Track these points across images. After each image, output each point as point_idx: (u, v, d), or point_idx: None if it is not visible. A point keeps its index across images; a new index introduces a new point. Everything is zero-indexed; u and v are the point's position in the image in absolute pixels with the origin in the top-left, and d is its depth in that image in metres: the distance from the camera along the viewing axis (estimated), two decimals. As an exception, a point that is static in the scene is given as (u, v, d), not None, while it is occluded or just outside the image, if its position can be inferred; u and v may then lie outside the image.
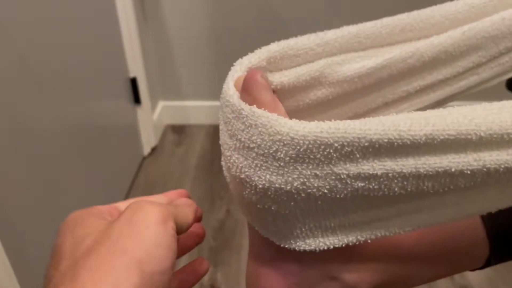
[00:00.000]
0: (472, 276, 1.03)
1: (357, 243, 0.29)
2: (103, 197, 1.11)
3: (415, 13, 0.31)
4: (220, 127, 0.27)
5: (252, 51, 0.28)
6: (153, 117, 1.56)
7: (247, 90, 0.25)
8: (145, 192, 1.34)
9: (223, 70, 1.39)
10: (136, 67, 1.37)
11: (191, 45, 1.57)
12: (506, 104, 0.25)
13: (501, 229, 0.36)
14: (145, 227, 0.26)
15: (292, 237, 0.28)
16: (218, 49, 1.57)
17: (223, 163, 0.29)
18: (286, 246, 0.29)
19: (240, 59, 0.27)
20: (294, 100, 0.29)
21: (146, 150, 1.51)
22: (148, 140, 1.51)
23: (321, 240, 0.28)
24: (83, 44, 1.04)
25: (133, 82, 1.37)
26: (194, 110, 1.69)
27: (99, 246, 0.25)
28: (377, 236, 0.28)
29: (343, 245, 0.28)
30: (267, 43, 0.28)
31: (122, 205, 0.32)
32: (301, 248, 0.28)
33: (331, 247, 0.28)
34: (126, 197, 1.31)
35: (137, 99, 1.40)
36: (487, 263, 0.37)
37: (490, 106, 0.24)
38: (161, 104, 1.67)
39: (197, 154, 1.53)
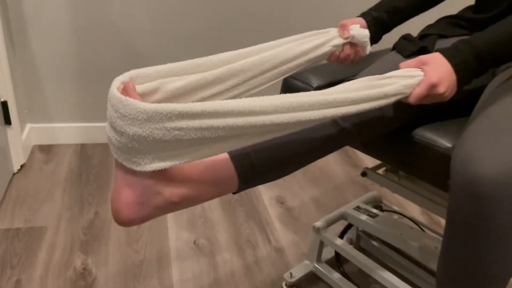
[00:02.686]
0: (284, 240, 1.44)
1: (174, 166, 0.62)
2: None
3: (215, 56, 0.69)
4: (108, 111, 0.59)
5: (112, 79, 0.60)
6: (22, 138, 1.71)
7: (126, 90, 0.57)
8: (17, 204, 1.50)
9: (87, 95, 1.75)
10: (6, 92, 1.54)
11: (57, 73, 1.78)
12: (272, 97, 0.60)
13: (244, 168, 0.73)
14: None
15: (143, 164, 0.60)
16: (82, 77, 1.80)
17: (108, 128, 0.60)
18: (138, 169, 0.61)
19: (116, 77, 0.60)
20: (150, 97, 0.63)
21: (16, 167, 1.65)
22: (17, 159, 1.66)
23: (158, 165, 0.60)
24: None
25: (4, 105, 1.53)
26: (61, 130, 1.87)
27: None
28: (187, 162, 0.62)
29: (169, 167, 0.61)
30: (125, 70, 0.61)
31: None
32: (146, 169, 0.60)
33: (163, 168, 0.61)
34: (-2, 208, 1.45)
35: (7, 121, 1.56)
36: (239, 189, 0.74)
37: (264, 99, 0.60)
38: (28, 126, 1.82)
39: (66, 169, 1.73)
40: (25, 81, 1.75)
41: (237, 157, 0.71)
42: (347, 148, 2.10)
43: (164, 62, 0.67)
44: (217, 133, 0.58)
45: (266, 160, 0.74)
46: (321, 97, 0.63)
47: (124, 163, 0.61)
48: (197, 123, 0.57)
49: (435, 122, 0.88)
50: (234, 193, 0.74)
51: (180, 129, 0.57)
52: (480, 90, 0.90)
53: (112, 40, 1.77)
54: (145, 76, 0.63)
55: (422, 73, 0.71)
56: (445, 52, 0.72)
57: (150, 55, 1.83)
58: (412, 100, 0.71)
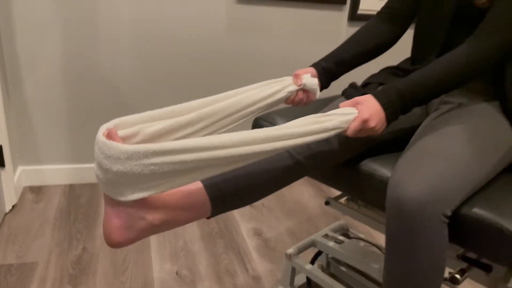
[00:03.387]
0: (260, 269, 1.55)
1: (153, 195, 0.75)
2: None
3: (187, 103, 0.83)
4: (95, 153, 0.72)
5: (99, 124, 0.74)
6: (14, 179, 1.82)
7: (110, 135, 0.71)
8: (9, 241, 1.59)
9: (75, 139, 1.94)
10: (1, 137, 1.67)
11: (48, 119, 1.91)
12: (231, 134, 0.74)
13: (215, 192, 0.86)
14: None
15: (125, 195, 0.73)
16: (71, 122, 1.94)
17: (96, 167, 0.73)
18: (122, 199, 0.74)
19: (102, 125, 0.74)
20: (132, 139, 0.76)
21: (8, 207, 1.75)
22: (9, 199, 1.76)
23: (139, 195, 0.74)
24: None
25: (-1, 149, 1.65)
26: (51, 172, 1.99)
27: None
28: (162, 191, 0.75)
29: (148, 196, 0.74)
30: (111, 116, 0.75)
31: None
32: (128, 199, 0.74)
33: (143, 197, 0.74)
34: (-9, 246, 1.54)
35: (1, 164, 1.68)
36: (212, 214, 0.87)
37: (228, 136, 0.74)
38: (20, 168, 1.94)
39: (55, 208, 1.83)
40: (18, 126, 1.88)
41: (209, 186, 0.85)
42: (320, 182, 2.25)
43: (147, 107, 0.83)
44: (186, 166, 0.72)
45: (234, 188, 0.87)
46: (272, 132, 0.77)
47: (110, 196, 0.74)
48: (169, 158, 0.71)
49: (380, 155, 1.03)
50: (208, 218, 0.87)
51: (155, 164, 0.70)
52: (416, 127, 1.06)
53: (100, 88, 1.92)
54: (127, 123, 0.77)
55: (356, 111, 0.86)
56: (375, 94, 0.88)
57: (134, 101, 1.98)
58: (349, 133, 0.85)
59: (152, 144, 0.71)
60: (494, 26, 0.88)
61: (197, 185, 0.84)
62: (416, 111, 1.10)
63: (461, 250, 0.98)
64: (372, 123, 0.85)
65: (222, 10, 1.95)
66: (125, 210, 0.75)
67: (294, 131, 0.79)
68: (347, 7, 2.09)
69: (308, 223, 1.88)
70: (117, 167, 0.70)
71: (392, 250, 0.84)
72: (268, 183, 0.91)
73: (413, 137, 0.97)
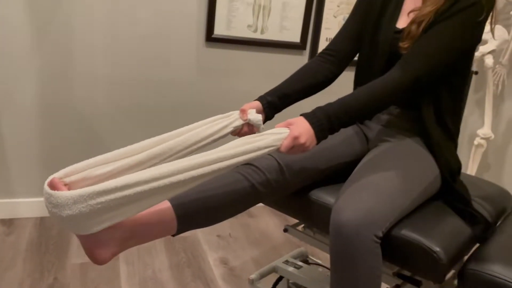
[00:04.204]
0: (215, 273, 1.64)
1: (113, 224, 0.84)
2: None
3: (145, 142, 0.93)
4: (45, 203, 0.80)
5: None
6: (-14, 212, 1.87)
7: (53, 185, 0.79)
8: (-21, 273, 1.63)
9: (46, 172, 2.06)
10: (-24, 171, 1.73)
11: (21, 154, 1.99)
12: (169, 163, 0.84)
13: (182, 211, 0.96)
14: None
15: (89, 229, 0.82)
16: (43, 157, 2.02)
17: (51, 216, 0.81)
18: (88, 233, 0.83)
19: (51, 175, 0.81)
20: (81, 183, 0.84)
21: (-21, 239, 1.79)
22: (-19, 231, 1.80)
23: (101, 226, 0.82)
24: None
25: (-27, 182, 1.71)
26: (22, 205, 2.04)
27: None
28: (120, 220, 0.84)
29: (110, 225, 0.84)
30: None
31: None
32: (93, 231, 0.83)
33: (105, 226, 0.83)
34: (-38, 277, 1.58)
35: (-25, 196, 1.73)
36: (178, 232, 0.97)
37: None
38: (-8, 201, 1.99)
39: (26, 240, 1.88)
40: (-8, 160, 1.95)
41: (176, 205, 0.96)
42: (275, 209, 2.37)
43: (119, 140, 0.90)
44: (131, 199, 0.79)
45: (199, 208, 0.98)
46: (208, 156, 0.86)
47: (75, 233, 0.84)
48: (113, 195, 0.78)
49: (327, 185, 1.17)
50: (173, 236, 0.98)
51: (101, 203, 0.77)
52: (359, 160, 1.22)
53: (73, 123, 2.02)
54: (76, 169, 0.83)
55: (288, 130, 0.96)
56: (305, 115, 1.00)
57: (106, 135, 2.08)
58: (282, 149, 0.96)
59: (95, 185, 0.77)
60: (408, 60, 1.05)
61: (165, 204, 0.95)
62: (359, 147, 1.26)
63: (396, 268, 1.11)
64: (302, 140, 0.96)
65: (192, 53, 2.11)
66: (98, 236, 0.85)
67: (228, 153, 0.88)
68: (307, 51, 2.29)
69: (272, 251, 1.99)
70: (66, 212, 0.76)
71: (335, 268, 0.97)
72: (228, 206, 1.02)
73: (354, 170, 1.12)
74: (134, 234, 0.90)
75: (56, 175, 0.81)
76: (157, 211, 0.93)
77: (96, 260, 0.86)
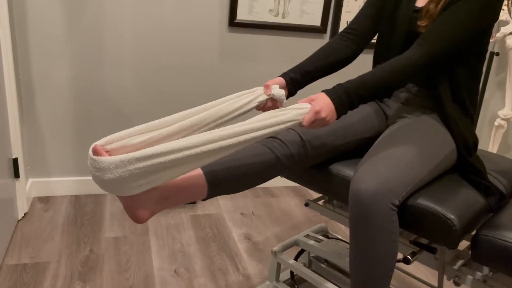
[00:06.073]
0: (250, 268, 1.73)
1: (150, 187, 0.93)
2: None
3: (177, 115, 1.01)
4: (89, 168, 0.89)
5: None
6: (26, 190, 2.00)
7: (96, 152, 0.88)
8: (23, 245, 1.76)
9: (80, 153, 2.20)
10: (17, 150, 1.85)
11: (56, 135, 2.11)
12: (200, 134, 0.92)
13: (212, 177, 1.05)
14: None
15: (128, 192, 0.90)
16: (77, 137, 2.14)
17: (94, 180, 0.90)
18: (128, 195, 0.92)
19: (94, 142, 0.90)
20: (121, 150, 0.93)
21: (20, 215, 1.93)
22: (21, 208, 1.94)
23: (140, 189, 0.91)
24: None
25: (15, 161, 1.84)
26: (58, 184, 2.17)
27: None
28: (156, 185, 0.93)
29: (148, 188, 0.92)
30: (114, 131, 0.93)
31: None
32: (133, 193, 0.92)
33: (144, 189, 0.92)
34: (7, 250, 1.71)
35: (17, 175, 1.86)
36: (208, 196, 1.06)
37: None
38: (30, 180, 2.12)
39: (63, 216, 2.00)
40: (30, 141, 2.07)
41: (207, 172, 1.04)
42: (306, 192, 2.44)
43: (144, 121, 0.94)
44: (166, 165, 0.86)
45: (228, 175, 1.05)
46: (236, 128, 0.92)
47: (116, 195, 0.93)
48: (149, 162, 0.86)
49: (346, 159, 1.24)
50: (203, 200, 1.06)
51: (139, 168, 0.85)
52: (377, 137, 1.27)
53: (104, 106, 2.13)
54: (117, 138, 0.91)
55: (309, 106, 1.02)
56: (326, 91, 1.05)
57: (134, 117, 2.18)
58: (304, 123, 1.01)
59: (134, 152, 0.85)
60: (426, 38, 1.09)
61: (198, 171, 1.03)
62: (377, 124, 1.31)
63: (413, 237, 1.18)
64: (323, 114, 1.01)
65: (215, 38, 2.18)
66: (136, 197, 0.94)
67: (254, 126, 0.94)
68: (327, 35, 2.33)
69: (293, 228, 2.07)
70: (108, 176, 0.84)
71: (353, 234, 1.04)
72: (254, 175, 1.09)
73: (373, 145, 1.18)
74: (170, 195, 0.98)
75: (98, 142, 0.89)
76: (191, 176, 1.01)
77: (137, 219, 0.95)
